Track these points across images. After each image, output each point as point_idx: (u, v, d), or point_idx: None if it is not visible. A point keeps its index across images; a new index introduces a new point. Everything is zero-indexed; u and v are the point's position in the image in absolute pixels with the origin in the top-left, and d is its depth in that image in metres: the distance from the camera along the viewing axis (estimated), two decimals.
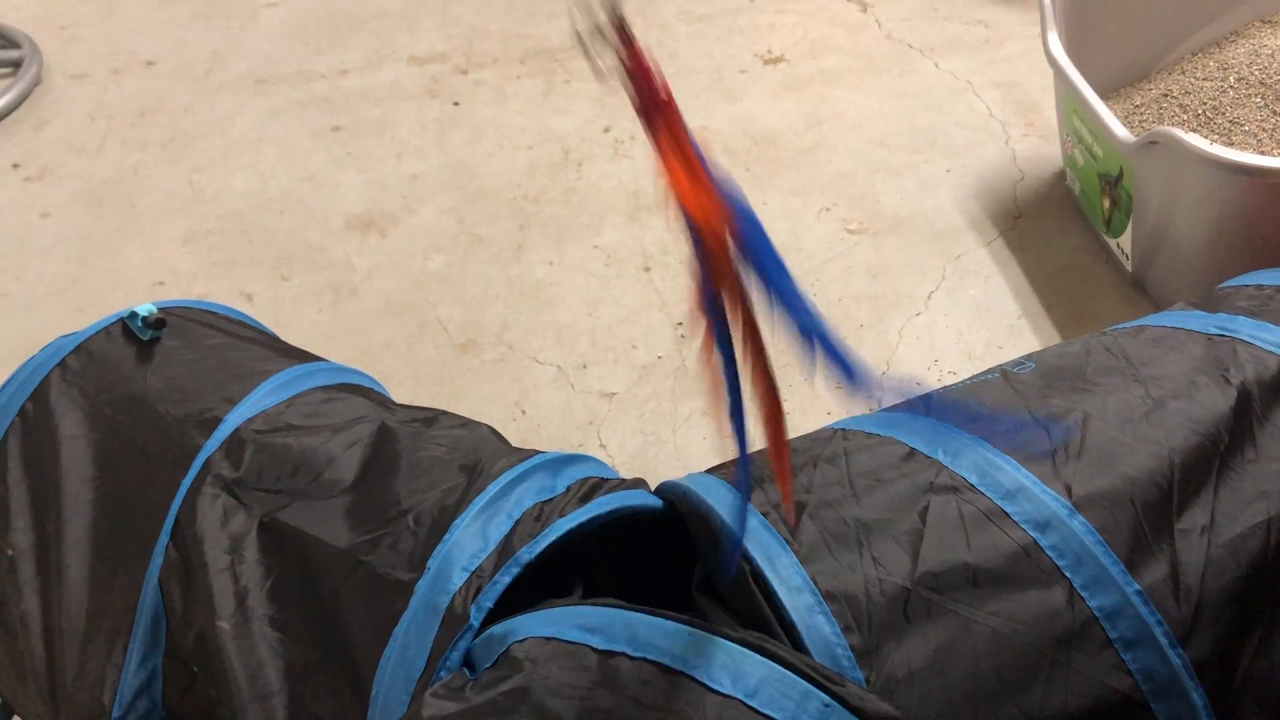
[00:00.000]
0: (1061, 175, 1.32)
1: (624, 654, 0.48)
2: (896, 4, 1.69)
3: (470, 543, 0.59)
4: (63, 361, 0.77)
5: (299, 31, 1.73)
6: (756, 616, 0.54)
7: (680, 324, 1.16)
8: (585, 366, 1.13)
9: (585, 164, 1.40)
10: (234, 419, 0.71)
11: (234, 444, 0.69)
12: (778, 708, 0.46)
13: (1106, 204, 1.16)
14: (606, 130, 1.46)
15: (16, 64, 1.65)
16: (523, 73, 1.59)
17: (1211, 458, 0.59)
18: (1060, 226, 1.25)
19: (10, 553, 0.71)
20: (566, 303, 1.20)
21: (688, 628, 0.48)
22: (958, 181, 1.33)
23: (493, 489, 0.62)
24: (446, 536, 0.60)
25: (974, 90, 1.49)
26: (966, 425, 0.60)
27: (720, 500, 0.59)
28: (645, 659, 0.47)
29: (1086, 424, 0.61)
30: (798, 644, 0.52)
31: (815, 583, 0.54)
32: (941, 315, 1.15)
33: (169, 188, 1.41)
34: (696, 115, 1.48)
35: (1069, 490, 0.57)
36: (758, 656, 0.48)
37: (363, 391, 0.77)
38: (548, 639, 0.50)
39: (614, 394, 1.09)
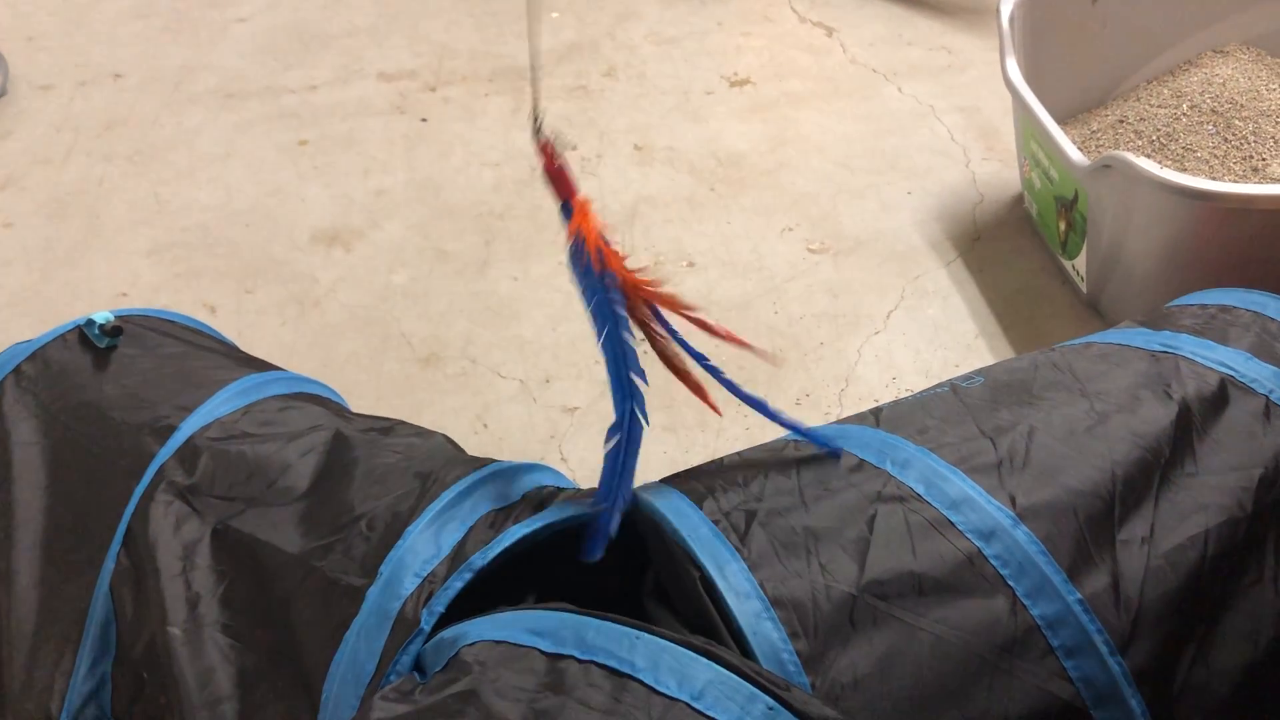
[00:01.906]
0: (1020, 199, 1.34)
1: (572, 657, 0.48)
2: (862, 29, 1.71)
3: (423, 549, 0.60)
4: (17, 368, 0.76)
5: (269, 47, 1.73)
6: (706, 623, 0.55)
7: (643, 340, 1.17)
8: (548, 381, 1.13)
9: None
10: (189, 427, 0.71)
11: (188, 451, 0.69)
12: (722, 710, 0.46)
13: (1062, 227, 1.18)
14: (574, 148, 1.47)
15: None
16: (491, 90, 1.60)
17: (1152, 471, 0.61)
18: (1018, 249, 1.27)
19: None
20: (530, 318, 1.21)
21: (635, 631, 0.49)
22: (918, 204, 1.35)
23: (447, 496, 0.63)
24: (399, 543, 0.60)
25: (936, 114, 1.51)
26: None
27: (672, 508, 0.60)
28: (593, 662, 0.48)
29: (1032, 437, 0.62)
30: (745, 650, 0.53)
31: (763, 589, 0.54)
32: (900, 334, 1.16)
33: (134, 200, 1.41)
34: (662, 135, 1.49)
35: (1013, 500, 0.59)
36: (704, 660, 0.48)
37: (319, 400, 0.78)
38: (497, 642, 0.50)
39: (576, 408, 1.10)
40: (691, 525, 0.58)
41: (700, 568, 0.55)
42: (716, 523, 0.58)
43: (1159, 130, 1.26)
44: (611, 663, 0.47)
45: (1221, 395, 0.64)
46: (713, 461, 0.68)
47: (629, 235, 1.32)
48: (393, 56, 1.69)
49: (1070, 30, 1.31)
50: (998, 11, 1.24)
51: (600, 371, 1.13)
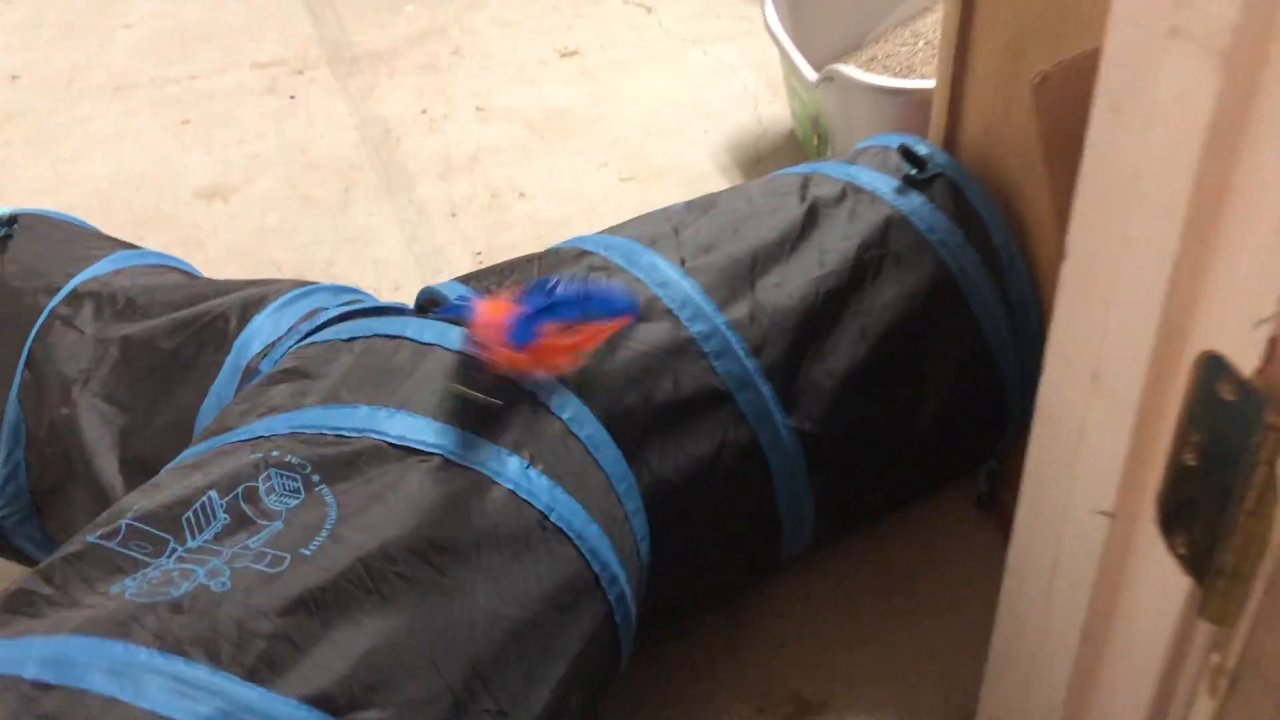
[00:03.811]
0: (792, 131, 1.60)
1: (370, 336, 0.72)
2: (677, 7, 1.97)
3: (266, 328, 0.82)
4: None
5: (153, 47, 1.94)
6: None
7: (479, 253, 1.40)
8: (398, 288, 1.36)
9: (404, 139, 1.64)
10: (73, 283, 0.92)
11: (73, 297, 0.90)
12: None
13: (816, 141, 1.44)
14: (423, 112, 1.70)
15: None
16: (352, 71, 1.83)
17: (785, 244, 0.86)
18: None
19: None
20: (384, 243, 1.44)
21: (405, 319, 0.73)
22: (713, 140, 1.61)
23: (284, 298, 0.85)
24: (248, 326, 0.83)
25: (733, 71, 1.77)
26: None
27: (445, 285, 0.84)
28: (379, 335, 0.71)
29: (701, 226, 0.87)
30: None
31: None
32: None
33: (35, 175, 1.61)
34: (501, 98, 1.73)
35: (683, 262, 0.83)
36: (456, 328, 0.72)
37: (181, 271, 1.00)
38: (315, 342, 0.73)
39: None
40: (452, 288, 0.82)
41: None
42: (476, 288, 0.82)
43: (901, 64, 1.53)
44: (390, 331, 0.71)
45: (842, 195, 0.90)
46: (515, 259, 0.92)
47: (470, 176, 1.55)
48: (265, 49, 1.91)
49: None
50: None
51: (443, 278, 1.36)
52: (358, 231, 1.46)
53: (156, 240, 1.46)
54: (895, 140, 0.97)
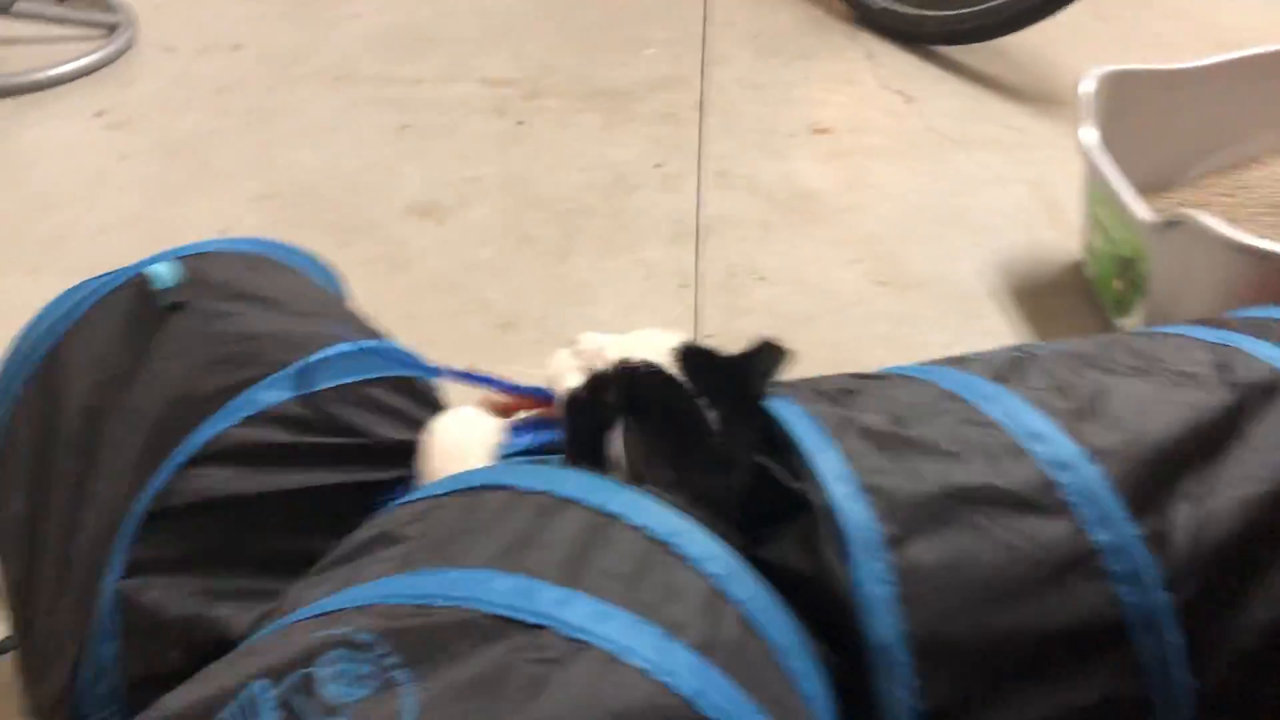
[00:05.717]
0: (1078, 265, 1.40)
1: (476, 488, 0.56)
2: (939, 101, 1.80)
3: None
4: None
5: (379, 42, 1.84)
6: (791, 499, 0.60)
7: (711, 336, 1.23)
8: None
9: (635, 191, 1.49)
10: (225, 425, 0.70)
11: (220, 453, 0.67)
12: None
13: (1119, 286, 1.24)
14: (658, 166, 1.55)
15: (112, 27, 1.74)
16: (584, 107, 1.69)
17: (1208, 442, 0.66)
18: (1072, 308, 1.33)
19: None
20: (605, 304, 1.28)
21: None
22: (982, 256, 1.42)
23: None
24: None
25: (1003, 183, 1.58)
26: None
27: (787, 407, 0.66)
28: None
29: (1101, 393, 0.68)
30: (834, 525, 0.58)
31: (858, 477, 0.60)
32: None
33: (243, 152, 1.50)
34: (743, 165, 1.57)
35: (1086, 442, 0.64)
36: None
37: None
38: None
39: None
40: (789, 409, 0.64)
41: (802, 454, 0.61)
42: (817, 417, 0.64)
43: (1218, 216, 1.33)
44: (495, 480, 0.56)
45: (1273, 385, 0.70)
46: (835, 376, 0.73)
47: (705, 246, 1.39)
48: (495, 65, 1.79)
49: (1143, 116, 1.38)
50: (1077, 85, 1.31)
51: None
52: (577, 285, 1.30)
53: (359, 250, 1.32)
54: None
